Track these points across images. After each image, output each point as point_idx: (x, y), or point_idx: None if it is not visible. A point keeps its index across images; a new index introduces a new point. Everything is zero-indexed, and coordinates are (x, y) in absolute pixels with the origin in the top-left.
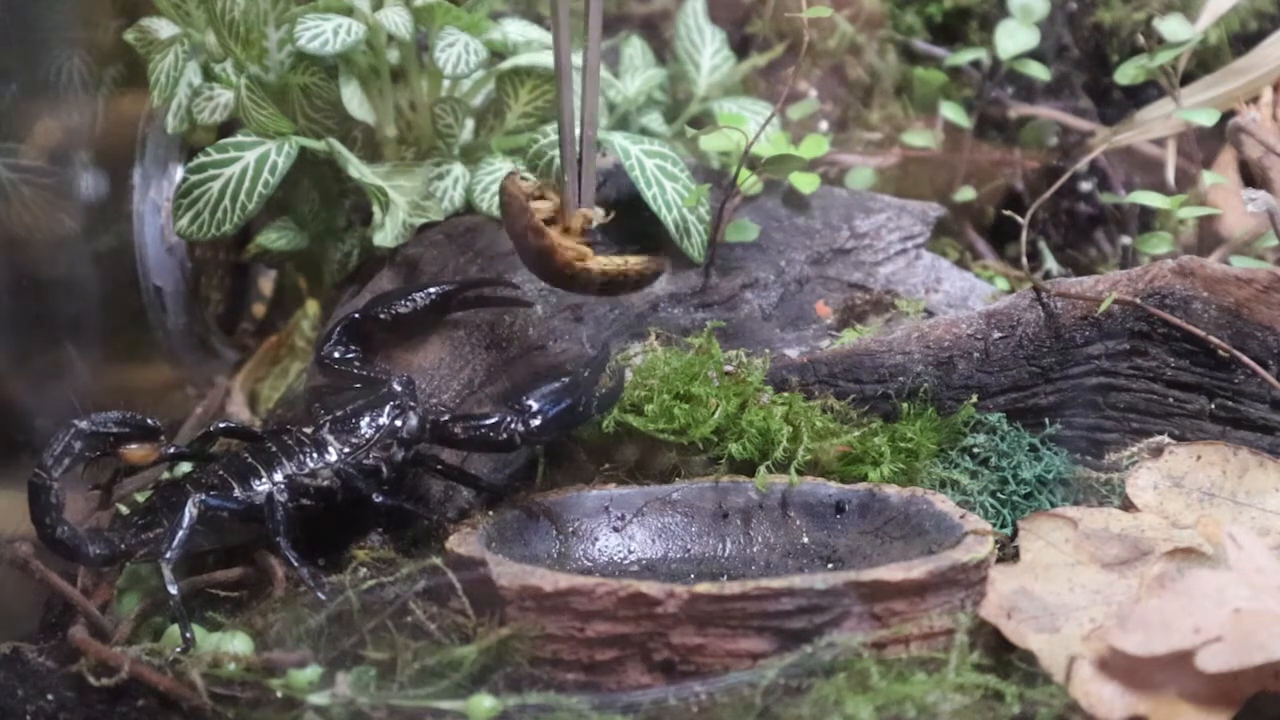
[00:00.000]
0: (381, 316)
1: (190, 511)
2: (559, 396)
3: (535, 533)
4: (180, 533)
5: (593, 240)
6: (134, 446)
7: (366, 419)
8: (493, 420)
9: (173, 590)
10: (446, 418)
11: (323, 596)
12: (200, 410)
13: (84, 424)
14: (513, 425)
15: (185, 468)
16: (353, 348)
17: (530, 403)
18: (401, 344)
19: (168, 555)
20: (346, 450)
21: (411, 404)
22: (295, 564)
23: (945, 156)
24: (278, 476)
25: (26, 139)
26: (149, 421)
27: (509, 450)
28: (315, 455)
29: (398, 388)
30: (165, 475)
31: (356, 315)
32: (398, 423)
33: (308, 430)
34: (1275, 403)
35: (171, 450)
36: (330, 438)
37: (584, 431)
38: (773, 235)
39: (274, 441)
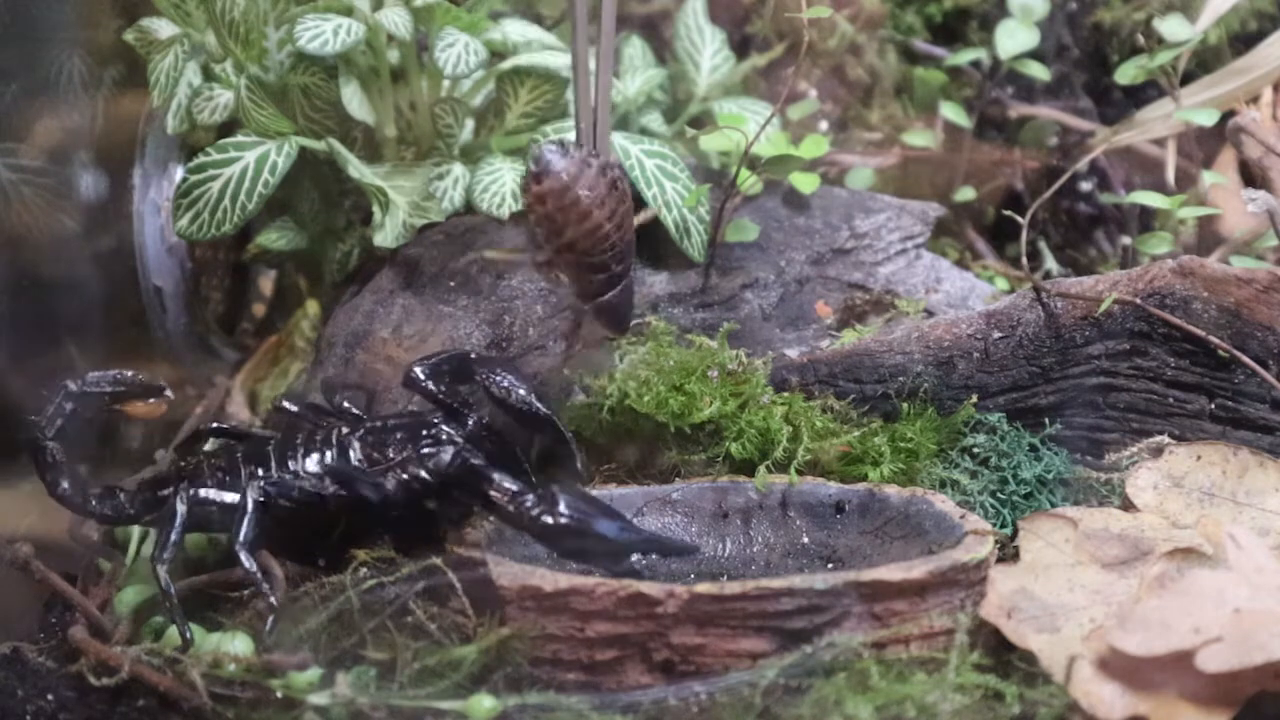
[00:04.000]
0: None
1: (179, 509)
2: (600, 514)
3: None
4: (172, 534)
5: None
6: (139, 403)
7: (401, 437)
8: (524, 498)
9: (168, 589)
10: (479, 463)
11: (274, 600)
12: (200, 410)
13: (73, 385)
14: (537, 512)
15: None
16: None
17: (562, 505)
18: (402, 343)
19: (163, 557)
20: (368, 461)
21: (458, 442)
22: (249, 567)
23: (945, 156)
24: (283, 473)
25: (26, 139)
26: (141, 378)
27: (516, 526)
28: (337, 456)
29: (445, 426)
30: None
31: (473, 355)
32: (429, 450)
33: (345, 429)
34: (1275, 403)
35: (215, 425)
36: (357, 444)
37: (585, 430)
38: (773, 235)
39: (302, 436)
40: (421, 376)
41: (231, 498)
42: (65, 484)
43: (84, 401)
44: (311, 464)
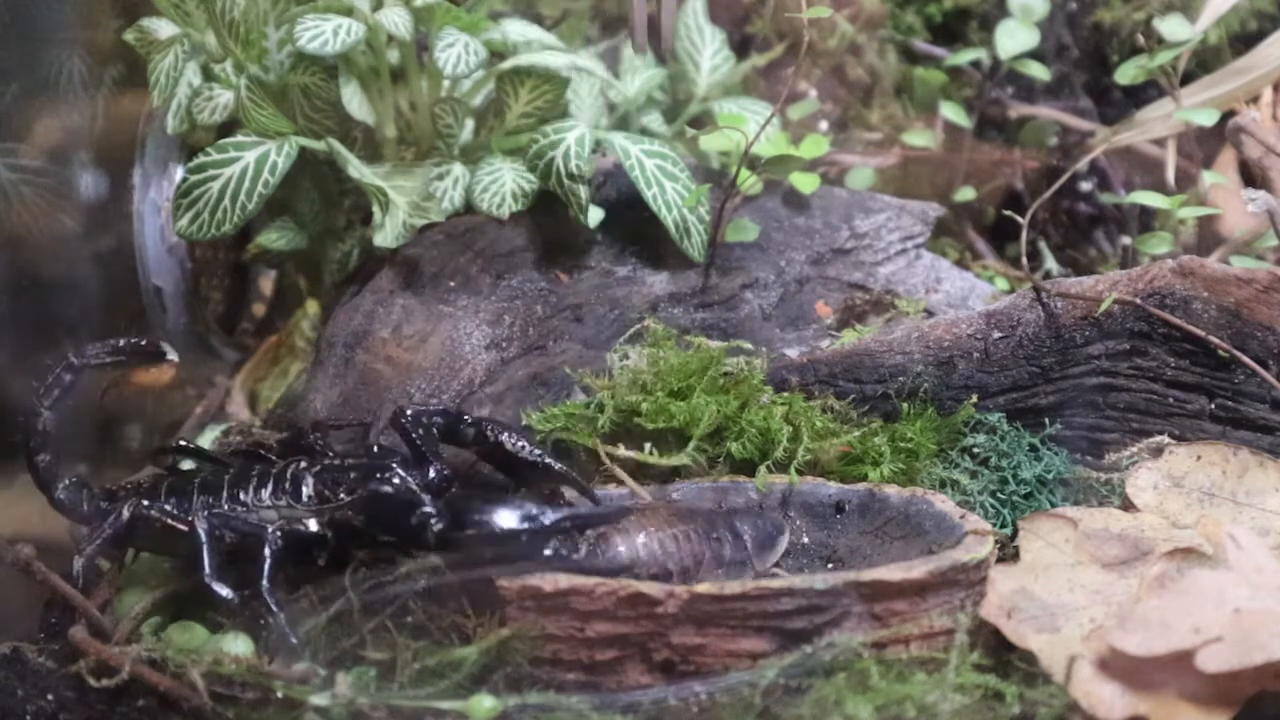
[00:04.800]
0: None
1: (123, 515)
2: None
3: None
4: (105, 530)
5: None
6: (142, 371)
7: (355, 478)
8: (429, 516)
9: (76, 577)
10: (386, 490)
11: (229, 595)
12: (200, 410)
13: (74, 358)
14: (439, 525)
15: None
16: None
17: (465, 516)
18: (401, 344)
19: (87, 550)
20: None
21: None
22: (226, 595)
23: (945, 156)
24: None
25: (26, 139)
26: (139, 343)
27: (423, 545)
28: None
29: (401, 470)
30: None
31: (459, 415)
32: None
33: (303, 463)
34: (1275, 403)
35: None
36: (311, 480)
37: (583, 433)
38: (773, 235)
39: (259, 467)
40: (409, 419)
41: (175, 523)
42: (45, 456)
43: (84, 375)
44: (264, 497)
